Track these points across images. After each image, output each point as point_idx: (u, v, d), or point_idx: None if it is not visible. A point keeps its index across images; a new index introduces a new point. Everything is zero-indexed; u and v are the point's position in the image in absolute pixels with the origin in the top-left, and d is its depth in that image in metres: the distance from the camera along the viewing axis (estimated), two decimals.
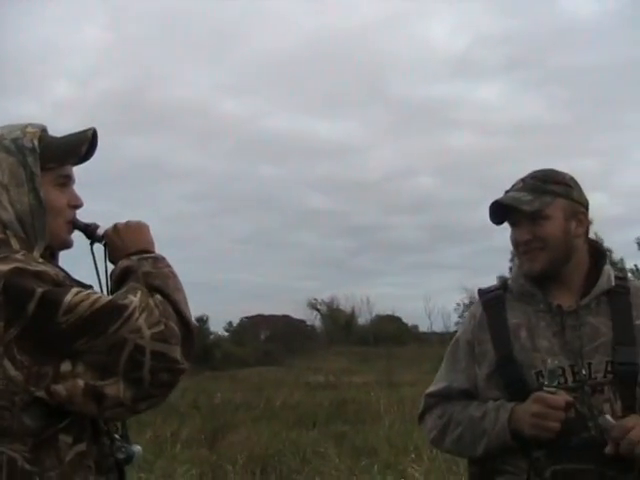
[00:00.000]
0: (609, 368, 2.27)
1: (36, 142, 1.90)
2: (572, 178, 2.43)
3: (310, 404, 16.79)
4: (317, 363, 37.81)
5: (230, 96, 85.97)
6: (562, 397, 2.20)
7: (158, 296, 1.78)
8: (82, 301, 1.69)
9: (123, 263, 1.91)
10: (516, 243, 2.41)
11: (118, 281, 1.89)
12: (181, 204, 79.24)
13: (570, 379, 2.27)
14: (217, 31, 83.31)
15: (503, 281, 2.52)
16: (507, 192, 2.43)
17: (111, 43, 77.12)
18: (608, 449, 2.16)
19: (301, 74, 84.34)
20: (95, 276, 2.02)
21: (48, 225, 1.89)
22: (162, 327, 1.71)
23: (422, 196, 79.61)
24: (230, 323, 55.94)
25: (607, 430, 2.18)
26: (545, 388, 2.22)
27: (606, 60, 77.17)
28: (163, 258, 1.94)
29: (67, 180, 1.98)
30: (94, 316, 1.68)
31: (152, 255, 1.94)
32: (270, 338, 51.19)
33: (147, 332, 1.69)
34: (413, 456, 8.42)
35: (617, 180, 77.48)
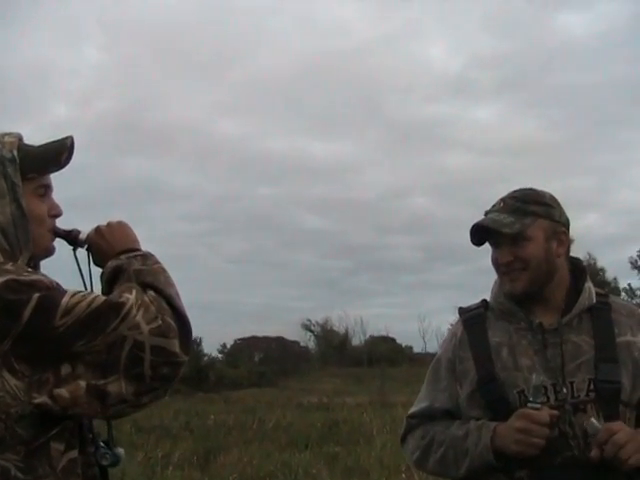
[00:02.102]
0: (591, 386, 2.27)
1: (15, 152, 1.89)
2: (552, 197, 2.43)
3: (303, 425, 16.71)
4: (311, 384, 37.67)
5: (227, 117, 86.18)
6: (547, 412, 2.20)
7: (151, 292, 1.79)
8: (79, 302, 1.69)
9: (112, 263, 1.91)
10: (497, 264, 2.41)
11: (109, 281, 1.89)
12: (177, 224, 79.16)
13: (552, 398, 2.26)
14: (214, 52, 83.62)
15: (483, 300, 2.52)
16: (487, 213, 2.43)
17: (109, 64, 77.25)
18: (593, 453, 2.16)
19: (298, 95, 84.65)
20: (80, 282, 2.02)
21: (31, 235, 1.88)
22: (159, 322, 1.72)
23: (417, 216, 79.63)
24: (224, 345, 55.84)
25: (593, 434, 2.18)
26: (529, 405, 2.22)
27: (601, 79, 77.49)
28: (151, 255, 1.96)
29: (47, 189, 1.97)
30: (92, 316, 1.68)
31: (140, 253, 1.95)
32: (264, 360, 51.04)
33: (145, 328, 1.70)
34: (404, 476, 8.39)
35: (612, 199, 77.72)
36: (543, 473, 2.21)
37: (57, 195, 2.01)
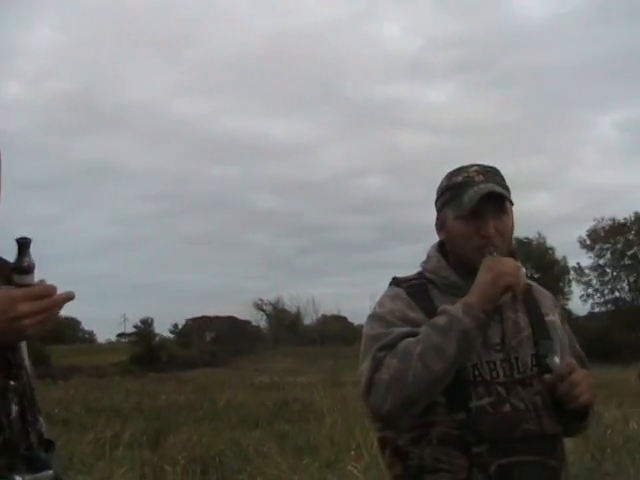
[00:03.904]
0: (534, 361, 2.30)
1: None
2: None
3: (253, 404, 16.79)
4: (263, 364, 37.86)
5: (183, 97, 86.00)
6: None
7: None
8: None
9: None
10: (469, 237, 2.34)
11: None
12: (132, 205, 79.10)
13: (501, 373, 2.27)
14: (171, 32, 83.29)
15: (419, 273, 2.48)
16: (467, 183, 2.36)
17: (63, 44, 76.70)
18: (548, 378, 2.23)
19: (254, 75, 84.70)
20: None
21: None
22: None
23: (372, 196, 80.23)
24: (175, 325, 55.83)
25: (555, 370, 2.24)
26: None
27: (555, 61, 78.56)
28: None
29: None
30: None
31: None
32: (216, 339, 51.07)
33: None
34: (353, 454, 8.45)
35: (563, 179, 78.95)
36: (504, 447, 2.20)
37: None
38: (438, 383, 2.17)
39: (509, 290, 2.23)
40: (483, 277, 2.23)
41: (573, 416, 2.31)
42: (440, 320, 2.19)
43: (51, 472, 1.78)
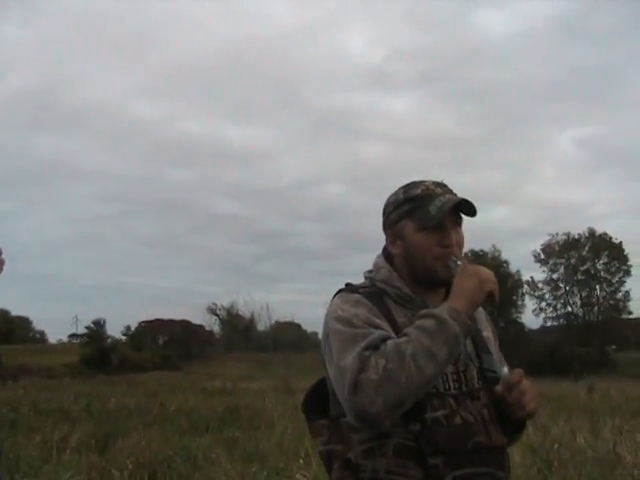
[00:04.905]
0: (479, 375, 2.32)
1: None
2: None
3: (204, 410, 16.71)
4: (216, 369, 37.71)
5: (144, 98, 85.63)
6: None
7: None
8: None
9: None
10: (431, 246, 2.33)
11: None
12: (89, 205, 78.47)
13: (452, 385, 2.27)
14: (134, 33, 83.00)
15: (371, 282, 2.45)
16: (430, 195, 2.35)
17: (26, 40, 75.91)
18: (499, 389, 2.27)
19: (217, 80, 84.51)
20: None
21: None
22: None
23: (330, 204, 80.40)
24: (128, 327, 55.52)
25: (504, 379, 2.28)
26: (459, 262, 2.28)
27: (515, 77, 79.33)
28: None
29: None
30: None
31: None
32: (168, 343, 50.76)
33: None
34: (302, 462, 8.43)
35: (520, 194, 79.74)
36: (460, 459, 2.20)
37: None
38: (427, 386, 2.14)
39: (491, 296, 2.22)
40: (467, 282, 2.21)
41: (514, 427, 2.36)
42: (427, 323, 2.15)
43: None
